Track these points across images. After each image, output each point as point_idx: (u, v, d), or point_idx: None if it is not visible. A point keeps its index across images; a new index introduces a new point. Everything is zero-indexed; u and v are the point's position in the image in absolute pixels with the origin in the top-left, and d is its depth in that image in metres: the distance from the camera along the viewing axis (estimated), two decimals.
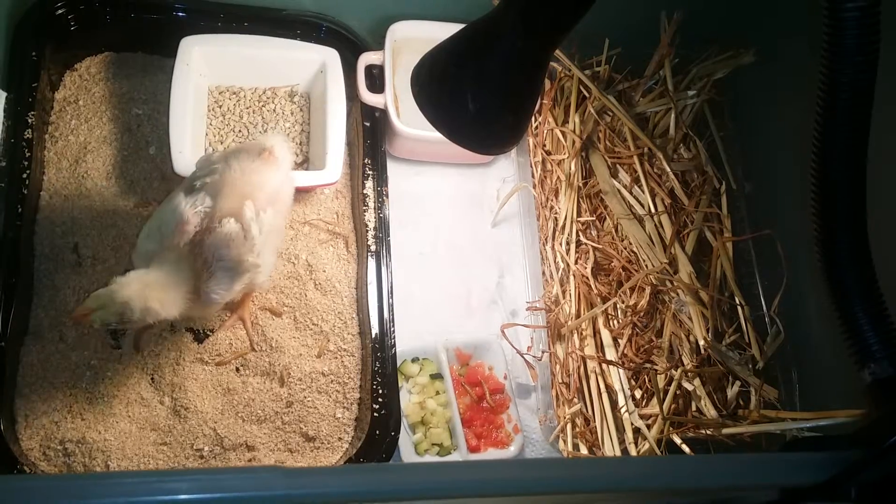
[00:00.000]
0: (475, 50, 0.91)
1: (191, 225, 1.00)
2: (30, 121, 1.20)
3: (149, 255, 1.02)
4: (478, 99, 0.92)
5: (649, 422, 1.24)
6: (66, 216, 1.21)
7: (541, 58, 0.90)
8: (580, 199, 1.38)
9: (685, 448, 1.21)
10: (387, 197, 1.30)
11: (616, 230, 1.38)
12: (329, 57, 1.32)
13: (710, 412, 1.25)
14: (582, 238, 1.36)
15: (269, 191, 1.06)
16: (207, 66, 1.29)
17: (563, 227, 1.36)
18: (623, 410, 1.24)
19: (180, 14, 1.32)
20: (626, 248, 1.36)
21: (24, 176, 1.18)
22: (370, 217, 1.28)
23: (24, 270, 1.16)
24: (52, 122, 1.27)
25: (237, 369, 1.20)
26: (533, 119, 1.43)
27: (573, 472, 0.72)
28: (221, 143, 1.31)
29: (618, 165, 1.42)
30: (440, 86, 0.95)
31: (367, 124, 1.34)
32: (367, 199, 1.29)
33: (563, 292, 1.32)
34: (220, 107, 1.33)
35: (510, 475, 0.71)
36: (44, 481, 0.65)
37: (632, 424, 1.23)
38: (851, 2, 0.72)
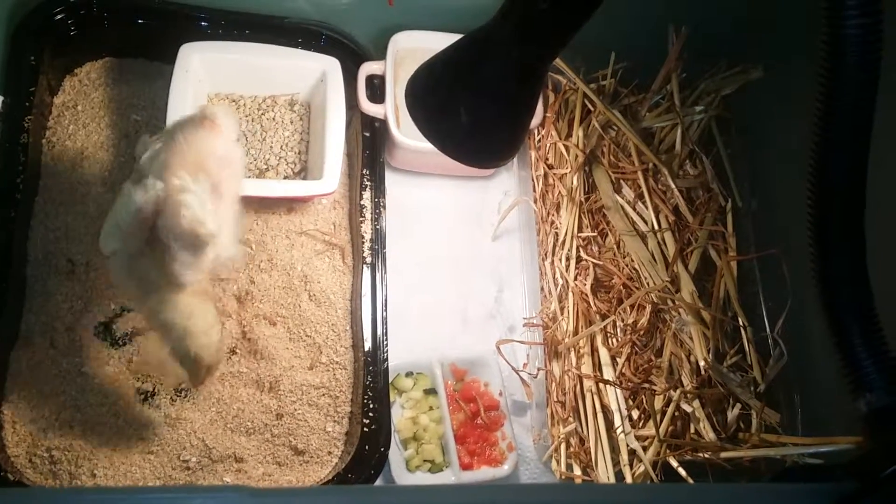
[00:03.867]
0: (470, 61, 0.90)
1: (146, 213, 0.94)
2: (26, 125, 1.19)
3: (119, 257, 0.99)
4: (472, 111, 0.91)
5: (646, 443, 1.21)
6: (60, 222, 1.20)
7: (538, 70, 0.89)
8: (582, 215, 1.36)
9: (681, 471, 1.18)
10: (384, 208, 1.28)
11: (618, 247, 1.35)
12: (330, 66, 1.31)
13: (709, 435, 1.22)
14: (582, 254, 1.34)
15: (220, 156, 0.99)
16: (207, 73, 1.28)
17: (564, 242, 1.34)
18: (619, 431, 1.21)
19: (182, 21, 1.31)
20: (627, 266, 1.34)
21: (19, 181, 1.17)
22: (367, 228, 1.27)
23: (16, 275, 1.15)
24: (50, 126, 1.27)
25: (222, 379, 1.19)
26: (535, 132, 1.41)
27: (554, 499, 0.70)
28: None
29: (621, 181, 1.40)
30: (434, 97, 0.93)
31: (367, 134, 1.32)
32: (365, 210, 1.28)
33: (562, 309, 1.29)
34: None
35: (487, 500, 0.69)
36: None
37: (627, 446, 1.21)
38: (853, 19, 0.70)
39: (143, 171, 0.98)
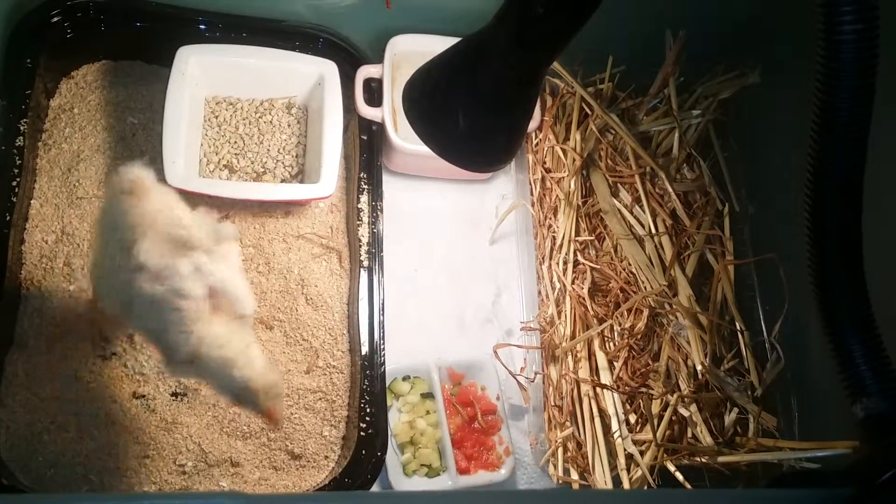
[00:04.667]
0: (467, 65, 0.90)
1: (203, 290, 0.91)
2: (22, 128, 1.19)
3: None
4: (469, 115, 0.90)
5: (643, 448, 1.21)
6: (56, 225, 1.20)
7: (535, 74, 0.88)
8: (579, 218, 1.36)
9: (678, 476, 1.18)
10: (381, 212, 1.28)
11: (615, 250, 1.35)
12: (327, 69, 1.31)
13: (707, 439, 1.22)
14: (580, 258, 1.34)
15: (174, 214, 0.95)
16: (204, 75, 1.28)
17: (561, 246, 1.34)
18: (616, 435, 1.21)
19: (179, 23, 1.30)
20: (624, 269, 1.33)
21: (14, 184, 1.17)
22: (363, 232, 1.27)
23: (12, 278, 1.15)
24: (46, 129, 1.26)
25: None
26: (533, 136, 1.41)
27: None
28: (216, 153, 1.29)
29: (619, 184, 1.40)
30: (430, 101, 0.93)
31: (365, 138, 1.32)
32: (362, 213, 1.28)
33: (559, 313, 1.29)
34: (217, 117, 1.31)
35: None
36: None
37: (625, 450, 1.20)
38: (849, 24, 0.70)
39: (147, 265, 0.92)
